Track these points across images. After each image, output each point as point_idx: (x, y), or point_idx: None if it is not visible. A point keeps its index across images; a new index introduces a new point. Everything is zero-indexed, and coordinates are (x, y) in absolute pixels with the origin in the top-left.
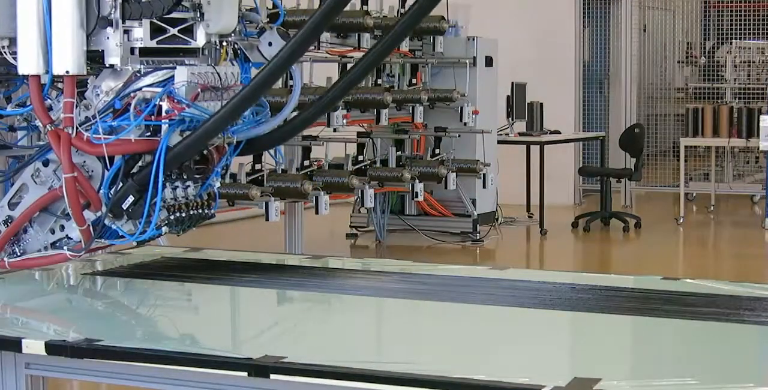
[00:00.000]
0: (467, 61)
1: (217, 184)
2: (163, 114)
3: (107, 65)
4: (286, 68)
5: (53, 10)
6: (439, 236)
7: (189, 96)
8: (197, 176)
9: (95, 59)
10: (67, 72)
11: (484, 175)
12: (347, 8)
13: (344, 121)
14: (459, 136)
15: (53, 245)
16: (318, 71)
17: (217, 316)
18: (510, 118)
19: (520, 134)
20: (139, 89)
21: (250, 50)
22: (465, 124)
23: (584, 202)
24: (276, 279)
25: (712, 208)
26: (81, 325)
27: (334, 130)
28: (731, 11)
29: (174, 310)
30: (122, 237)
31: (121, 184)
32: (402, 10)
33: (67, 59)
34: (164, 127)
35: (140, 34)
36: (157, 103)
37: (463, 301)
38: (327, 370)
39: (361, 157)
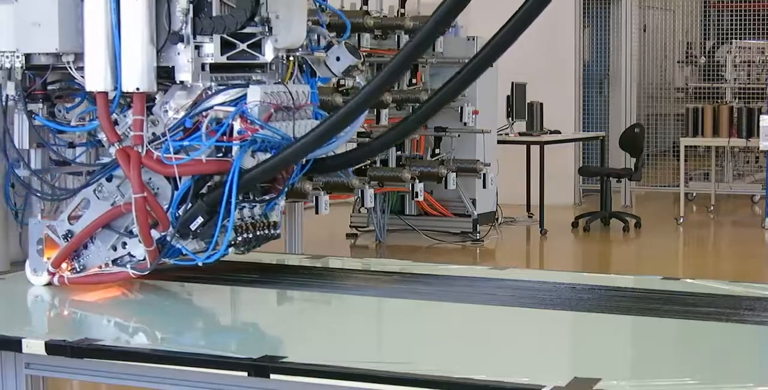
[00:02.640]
0: (467, 61)
1: (282, 204)
2: (235, 135)
3: (177, 82)
4: (378, 95)
5: (123, 26)
6: (439, 236)
7: (262, 116)
8: (264, 197)
9: (164, 75)
10: (138, 89)
11: (484, 175)
12: (347, 8)
13: None
14: (459, 136)
15: (114, 262)
16: None
17: (217, 316)
18: (510, 118)
19: (520, 134)
20: (210, 108)
21: (317, 65)
22: (465, 124)
23: (584, 202)
24: (276, 279)
25: (712, 208)
26: (81, 325)
27: None
28: (731, 11)
29: (174, 310)
30: (184, 255)
31: (189, 204)
32: (402, 11)
33: (138, 76)
34: (235, 147)
35: (211, 49)
36: (229, 123)
37: (463, 301)
38: (327, 370)
39: None
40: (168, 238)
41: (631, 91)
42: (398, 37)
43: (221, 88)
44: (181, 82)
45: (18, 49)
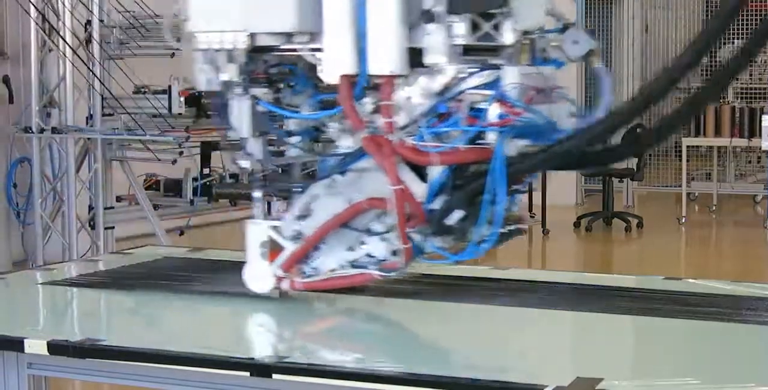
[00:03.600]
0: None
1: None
2: (494, 119)
3: (425, 64)
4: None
5: (369, 3)
6: None
7: (522, 99)
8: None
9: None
10: (391, 72)
11: None
12: None
13: None
14: None
15: (352, 264)
16: None
17: (219, 316)
18: None
19: None
20: (463, 92)
21: (548, 49)
22: None
23: (586, 202)
24: None
25: (714, 207)
26: (83, 325)
27: None
28: None
29: (175, 310)
30: (429, 254)
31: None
32: None
33: (388, 58)
34: (491, 133)
35: (461, 30)
36: (489, 107)
37: (464, 301)
38: (329, 369)
39: None
40: (421, 234)
41: (632, 91)
42: None
43: (473, 70)
44: (425, 66)
45: (247, 28)
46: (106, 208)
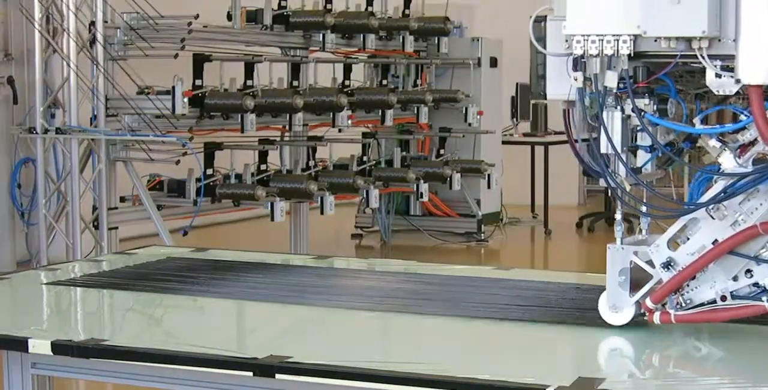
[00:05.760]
0: (472, 62)
1: None
2: None
3: None
4: None
5: None
6: (444, 236)
7: None
8: None
9: None
10: None
11: (488, 175)
12: (352, 9)
13: (349, 121)
14: (463, 136)
15: (732, 295)
16: (322, 72)
17: (222, 316)
18: (514, 119)
19: (525, 135)
20: None
21: None
22: (470, 124)
23: (588, 202)
24: (281, 279)
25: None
26: (87, 325)
27: (339, 131)
28: None
29: (179, 310)
30: None
31: None
32: (407, 12)
33: None
34: None
35: None
36: None
37: (467, 301)
38: (332, 369)
39: (365, 158)
40: None
41: None
42: (403, 38)
43: None
44: None
45: (646, 31)
46: (109, 209)
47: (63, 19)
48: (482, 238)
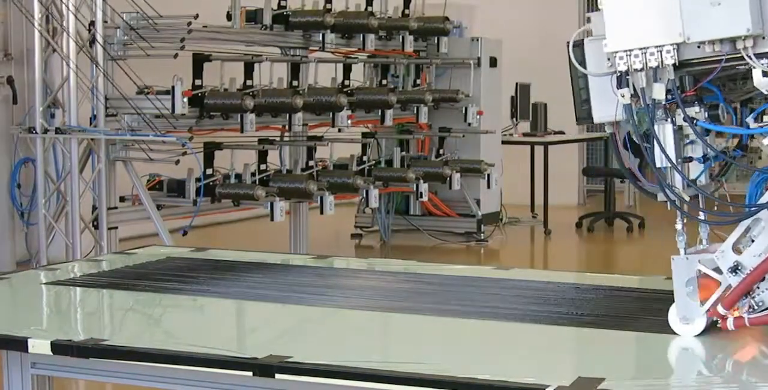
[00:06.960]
0: (471, 62)
1: None
2: None
3: None
4: None
5: None
6: (444, 236)
7: None
8: None
9: None
10: None
11: (488, 175)
12: (351, 9)
13: (349, 121)
14: (463, 136)
15: None
16: (322, 71)
17: (222, 316)
18: (514, 119)
19: (525, 135)
20: None
21: None
22: (469, 124)
23: (588, 202)
24: (281, 279)
25: (716, 208)
26: (87, 325)
27: (339, 131)
28: None
29: (179, 309)
30: None
31: None
32: (406, 11)
33: None
34: None
35: None
36: None
37: (467, 301)
38: (332, 369)
39: (365, 158)
40: None
41: None
42: (402, 38)
43: None
44: None
45: (689, 37)
46: (109, 208)
47: (63, 18)
48: (482, 238)
